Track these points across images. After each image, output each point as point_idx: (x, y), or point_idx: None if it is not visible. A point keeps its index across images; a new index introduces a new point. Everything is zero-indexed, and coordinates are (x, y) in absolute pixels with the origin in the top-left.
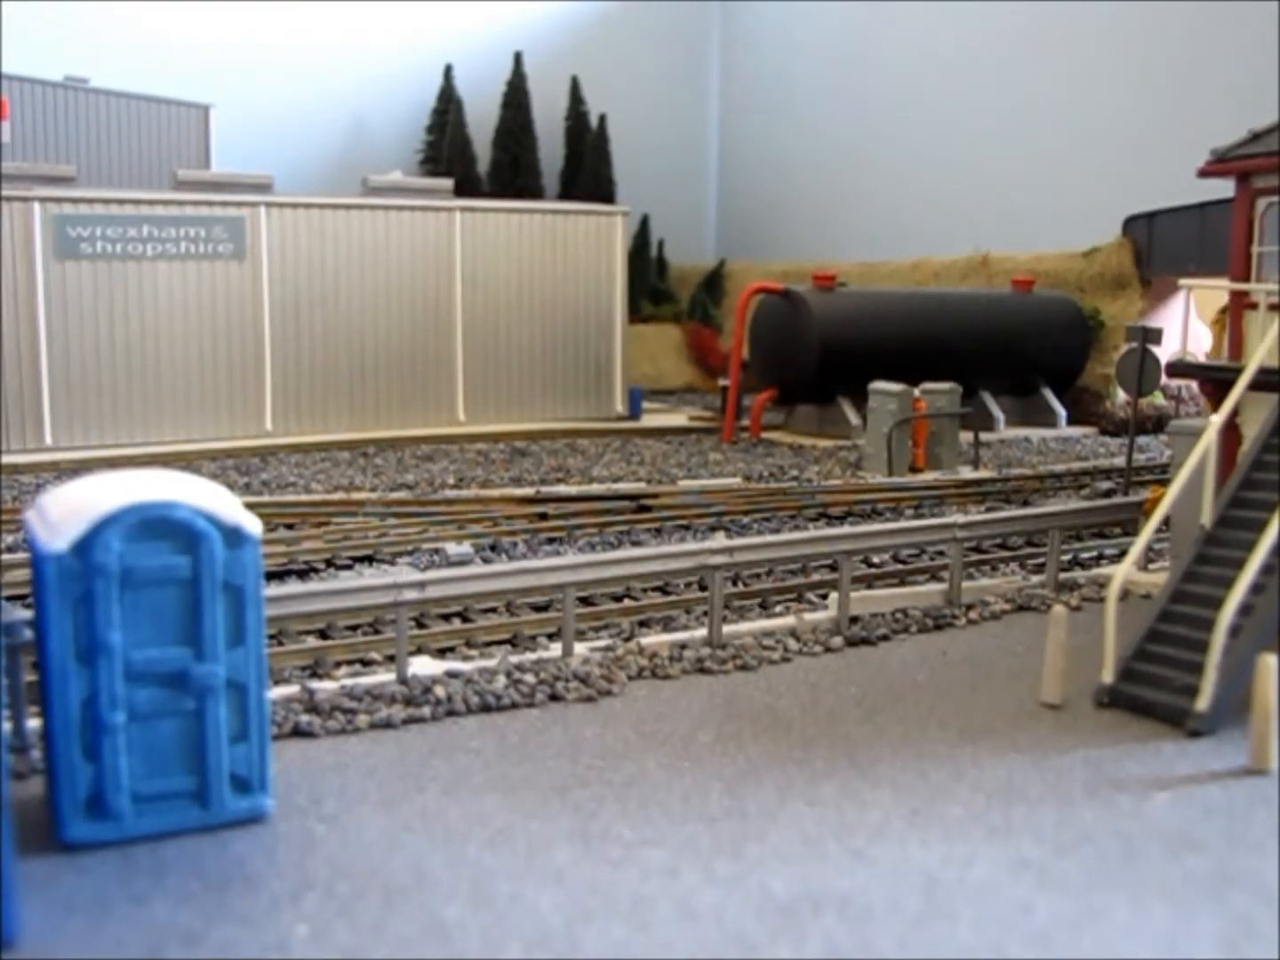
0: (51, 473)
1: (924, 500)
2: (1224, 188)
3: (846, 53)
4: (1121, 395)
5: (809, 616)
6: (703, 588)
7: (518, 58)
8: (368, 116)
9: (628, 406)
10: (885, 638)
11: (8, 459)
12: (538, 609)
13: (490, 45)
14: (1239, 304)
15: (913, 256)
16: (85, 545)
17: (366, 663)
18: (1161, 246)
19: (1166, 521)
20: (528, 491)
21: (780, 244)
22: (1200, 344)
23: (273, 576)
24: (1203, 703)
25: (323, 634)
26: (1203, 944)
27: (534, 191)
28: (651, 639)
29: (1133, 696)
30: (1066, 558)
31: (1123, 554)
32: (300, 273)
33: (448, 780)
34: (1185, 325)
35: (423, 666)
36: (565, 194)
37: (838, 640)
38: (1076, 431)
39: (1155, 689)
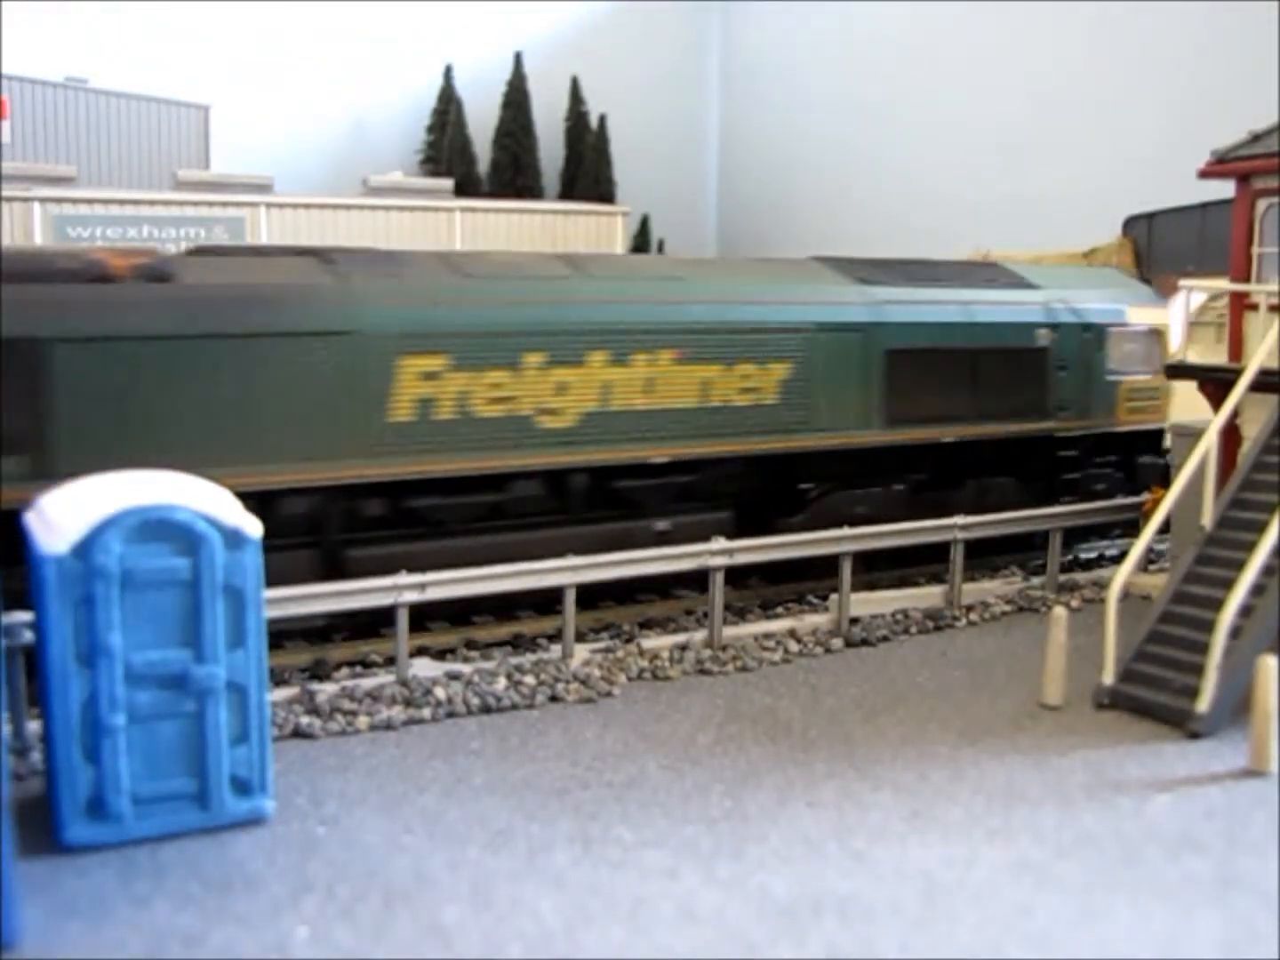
0: None
1: None
2: (1224, 188)
3: (847, 53)
4: None
5: (809, 618)
6: (702, 589)
7: (518, 58)
8: (368, 116)
9: None
10: (885, 639)
11: None
12: (538, 609)
13: (490, 45)
14: (1239, 305)
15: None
16: (86, 547)
17: (367, 664)
18: (1161, 246)
19: (1167, 523)
20: None
21: (780, 244)
22: None
23: None
24: (1203, 704)
25: (323, 635)
26: (1202, 945)
27: (534, 191)
28: (652, 640)
29: (1133, 698)
30: (1066, 558)
31: (1123, 555)
32: None
33: (448, 782)
34: (1185, 325)
35: (423, 668)
36: (565, 194)
37: (838, 641)
38: None
39: (1155, 690)
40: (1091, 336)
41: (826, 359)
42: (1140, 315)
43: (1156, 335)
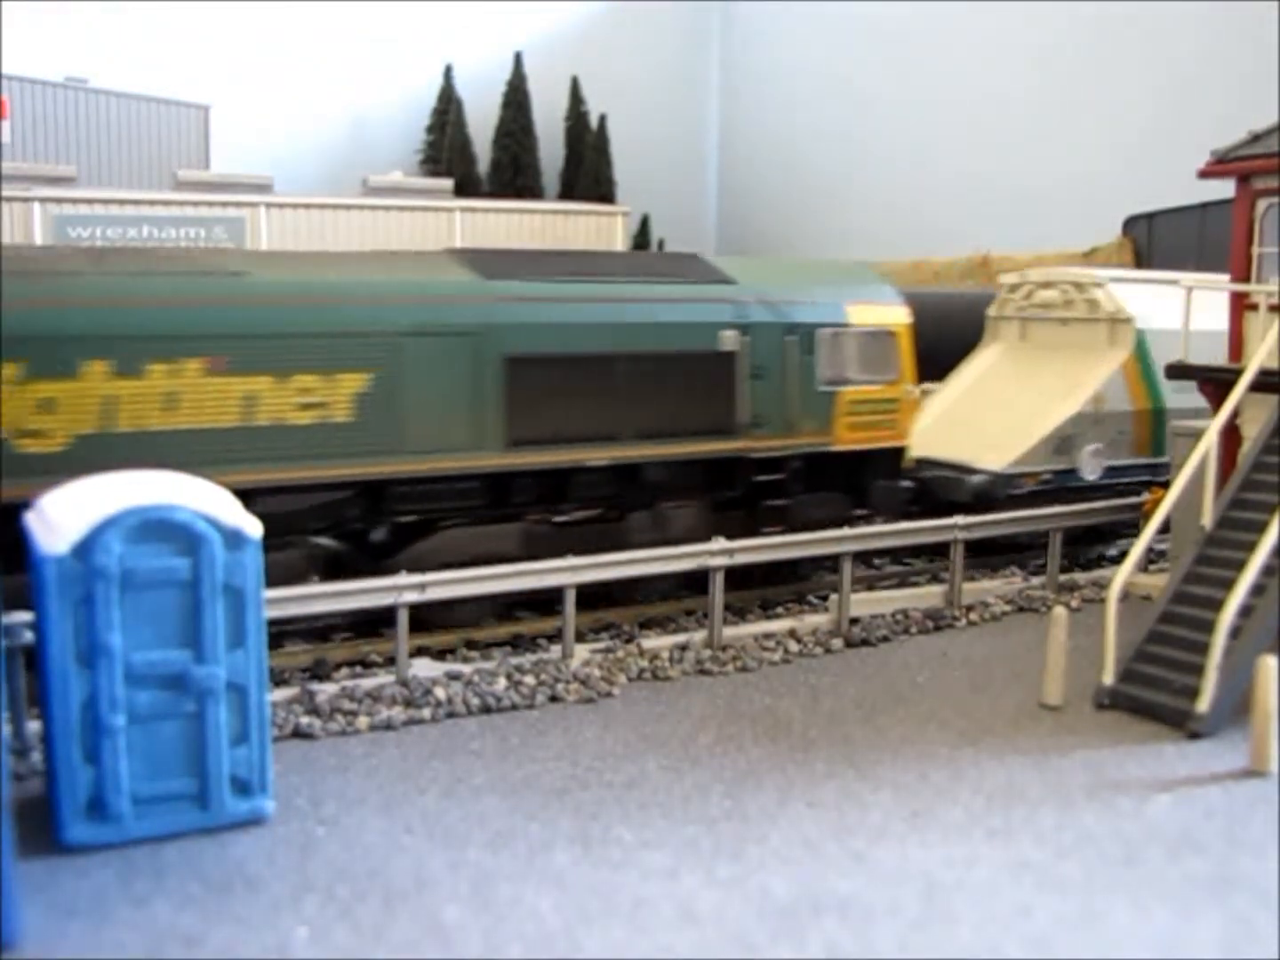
0: None
1: None
2: (1224, 188)
3: (847, 53)
4: None
5: (809, 618)
6: (702, 590)
7: (518, 58)
8: (368, 116)
9: None
10: (885, 639)
11: None
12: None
13: (490, 45)
14: (1239, 305)
15: (913, 257)
16: (86, 547)
17: (367, 664)
18: (1161, 246)
19: (1167, 523)
20: None
21: (781, 244)
22: None
23: None
24: (1203, 704)
25: (323, 635)
26: (1203, 946)
27: (534, 191)
28: (652, 641)
29: (1133, 698)
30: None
31: (1123, 555)
32: None
33: (448, 782)
34: (1185, 326)
35: (423, 668)
36: (565, 194)
37: (838, 641)
38: None
39: (1156, 690)
40: (797, 339)
41: (421, 368)
42: (867, 314)
43: (891, 337)
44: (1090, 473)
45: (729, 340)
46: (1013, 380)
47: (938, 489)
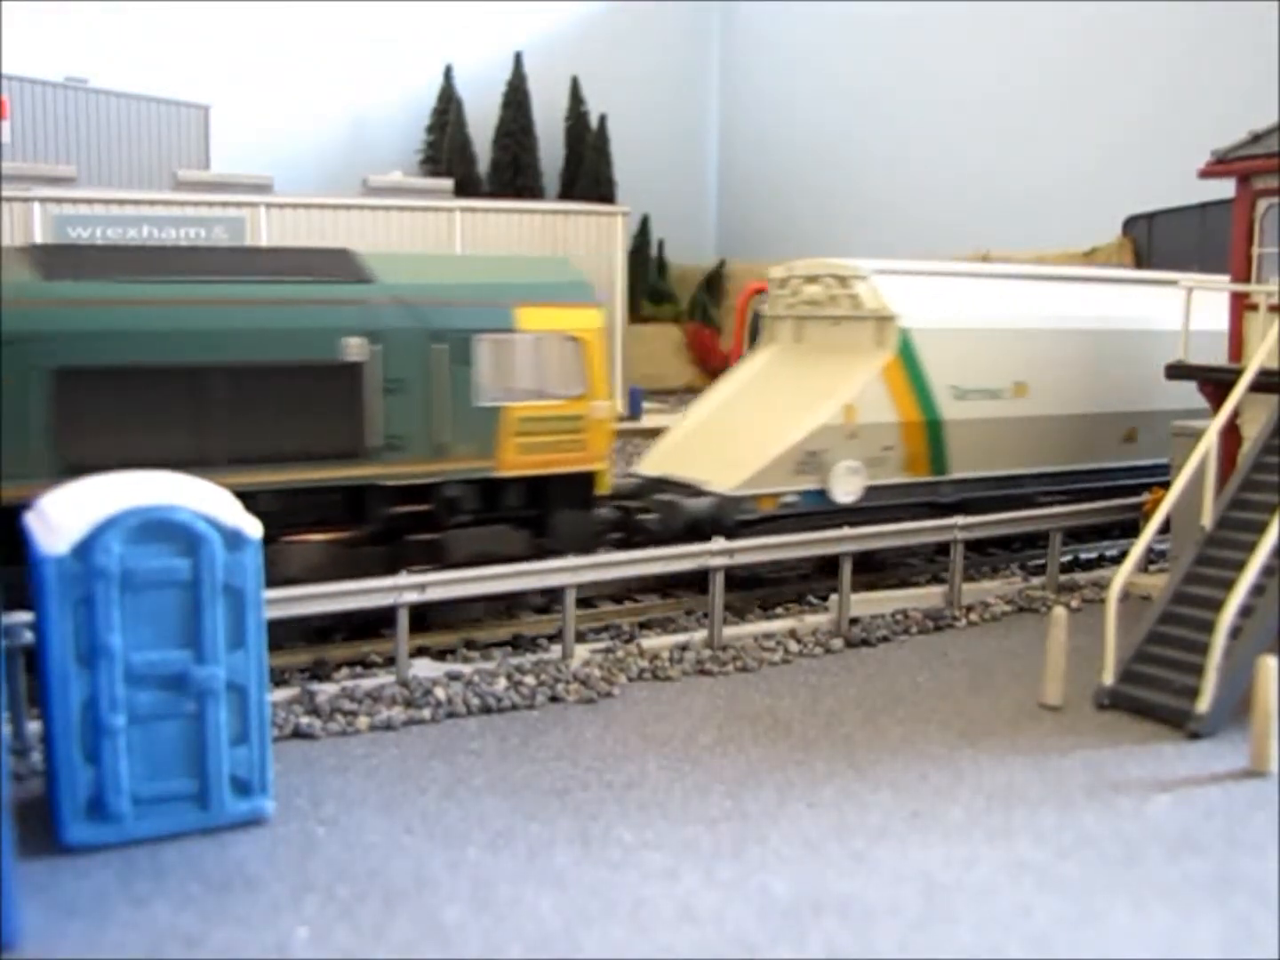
0: None
1: None
2: (1224, 188)
3: (847, 53)
4: None
5: (809, 618)
6: (702, 589)
7: (518, 58)
8: (368, 116)
9: (628, 407)
10: (885, 639)
11: None
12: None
13: (490, 45)
14: (1239, 305)
15: (913, 256)
16: (86, 548)
17: (367, 664)
18: (1161, 246)
19: (1167, 523)
20: None
21: (781, 244)
22: None
23: None
24: (1203, 704)
25: (323, 635)
26: (1203, 945)
27: (534, 191)
28: (652, 641)
29: (1133, 698)
30: (1066, 559)
31: (1123, 555)
32: None
33: (448, 782)
34: (1185, 326)
35: (423, 668)
36: (565, 194)
37: (838, 641)
38: None
39: (1155, 691)
40: (446, 347)
41: None
42: (543, 318)
43: (575, 344)
44: (844, 495)
45: (354, 349)
46: (775, 387)
47: (655, 514)
